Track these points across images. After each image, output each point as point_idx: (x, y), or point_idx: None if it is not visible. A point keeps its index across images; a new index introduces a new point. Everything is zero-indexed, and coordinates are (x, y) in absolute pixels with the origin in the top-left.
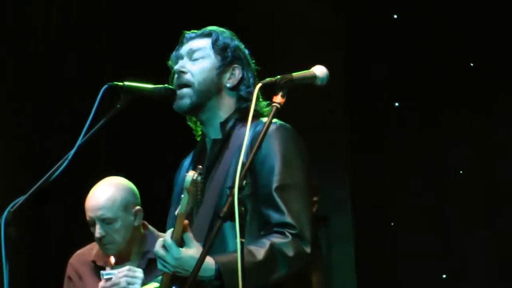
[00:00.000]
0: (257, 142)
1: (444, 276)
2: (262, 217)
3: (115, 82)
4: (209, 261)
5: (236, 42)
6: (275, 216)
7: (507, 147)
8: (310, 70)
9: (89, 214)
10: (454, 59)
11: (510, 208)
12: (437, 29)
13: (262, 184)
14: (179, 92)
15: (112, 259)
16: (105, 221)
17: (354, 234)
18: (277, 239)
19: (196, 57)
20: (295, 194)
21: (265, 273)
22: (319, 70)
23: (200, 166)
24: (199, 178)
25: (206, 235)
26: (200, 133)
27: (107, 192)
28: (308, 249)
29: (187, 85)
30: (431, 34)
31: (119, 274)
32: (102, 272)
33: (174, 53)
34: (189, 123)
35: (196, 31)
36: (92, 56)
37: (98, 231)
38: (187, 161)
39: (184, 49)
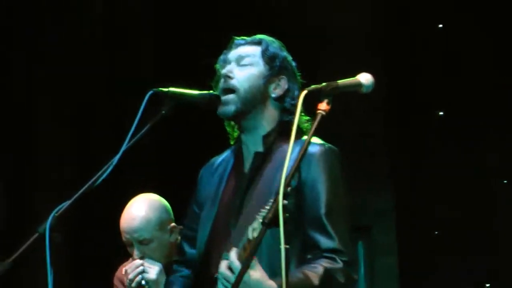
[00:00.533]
0: (302, 148)
1: (487, 285)
2: (309, 240)
3: (160, 88)
4: (271, 284)
5: (285, 53)
6: (325, 241)
7: None
8: (356, 77)
9: (125, 235)
10: (497, 69)
11: None
12: (479, 38)
13: (310, 207)
14: (224, 98)
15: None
16: (142, 243)
17: (398, 244)
18: (329, 264)
19: (244, 64)
20: (343, 219)
21: None
22: (365, 78)
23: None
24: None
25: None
26: (235, 137)
27: (141, 213)
28: (356, 276)
29: (232, 90)
30: (474, 44)
31: (133, 266)
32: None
33: (222, 56)
34: (227, 127)
35: (246, 37)
36: (133, 61)
37: (136, 253)
38: (219, 160)
39: (232, 54)
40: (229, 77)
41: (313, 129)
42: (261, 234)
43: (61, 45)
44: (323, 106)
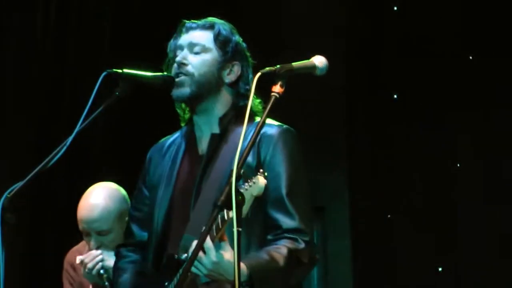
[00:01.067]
0: (255, 130)
1: (440, 269)
2: (270, 221)
3: (114, 69)
4: (242, 266)
5: (237, 36)
6: (286, 221)
7: (507, 141)
8: (310, 60)
9: (83, 225)
10: (453, 52)
11: (508, 203)
12: (436, 21)
13: (271, 188)
14: (178, 79)
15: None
16: (101, 233)
17: (351, 225)
18: (292, 245)
19: (198, 51)
20: (304, 200)
21: (285, 279)
22: (319, 60)
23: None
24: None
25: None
26: (186, 119)
27: (101, 204)
28: (318, 256)
29: (185, 73)
30: (431, 26)
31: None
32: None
33: (172, 41)
34: (177, 109)
35: (196, 21)
36: (92, 44)
37: (92, 244)
38: (168, 142)
39: (184, 40)
40: (184, 64)
41: (267, 111)
42: (214, 217)
43: (16, 25)
44: (277, 88)
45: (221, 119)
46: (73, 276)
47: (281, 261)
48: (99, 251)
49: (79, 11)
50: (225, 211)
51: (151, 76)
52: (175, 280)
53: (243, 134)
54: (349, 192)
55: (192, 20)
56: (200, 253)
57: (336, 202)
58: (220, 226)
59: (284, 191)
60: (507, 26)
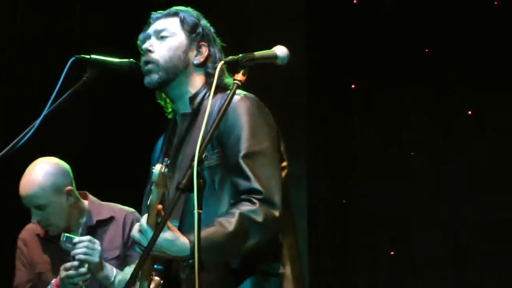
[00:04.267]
0: (218, 115)
1: (392, 252)
2: (233, 186)
3: (82, 55)
4: (184, 241)
5: (203, 21)
6: (242, 184)
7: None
8: (272, 49)
9: (23, 201)
10: (408, 43)
11: (457, 186)
12: (391, 15)
13: (230, 154)
14: (146, 68)
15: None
16: (39, 208)
17: (308, 208)
18: (245, 206)
19: (163, 35)
20: (263, 160)
21: (238, 243)
22: (280, 50)
23: (166, 158)
24: (166, 170)
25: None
26: (170, 110)
27: (36, 179)
28: (276, 213)
29: (152, 62)
30: (386, 20)
31: (80, 244)
32: (63, 233)
33: (142, 34)
34: (159, 101)
35: (162, 11)
36: (63, 30)
37: (33, 217)
38: (159, 143)
39: (151, 29)
40: (150, 51)
41: (228, 98)
42: (176, 199)
43: None
44: (239, 76)
45: (191, 98)
46: (25, 253)
47: (229, 226)
48: (87, 238)
49: None
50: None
51: (118, 62)
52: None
53: (207, 111)
54: (307, 178)
55: (158, 11)
56: (140, 235)
57: (296, 186)
58: (152, 210)
59: (240, 154)
60: (460, 23)
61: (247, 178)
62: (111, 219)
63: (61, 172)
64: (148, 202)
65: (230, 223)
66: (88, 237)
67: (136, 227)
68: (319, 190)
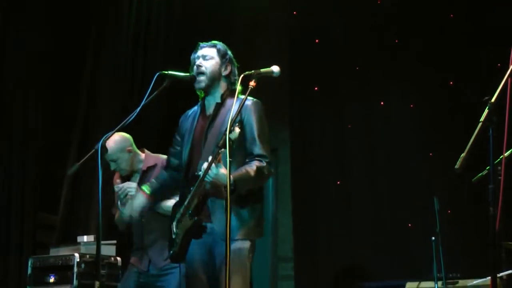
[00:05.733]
0: (239, 107)
1: (338, 182)
2: (248, 152)
3: (163, 72)
4: (230, 176)
5: (229, 51)
6: (257, 150)
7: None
8: (271, 68)
9: (106, 158)
10: (358, 53)
11: (384, 152)
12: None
13: (248, 135)
14: (198, 78)
15: (118, 180)
16: (113, 160)
17: (291, 160)
18: (259, 164)
19: (207, 58)
20: (266, 140)
21: (254, 183)
22: (276, 68)
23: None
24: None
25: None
26: (202, 96)
27: (110, 145)
28: (273, 171)
29: (202, 73)
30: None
31: (122, 186)
32: (114, 186)
33: (193, 55)
34: (197, 92)
35: (206, 42)
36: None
37: (111, 166)
38: (190, 111)
39: (200, 53)
40: (200, 66)
41: (247, 94)
42: (217, 152)
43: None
44: (252, 83)
45: (221, 95)
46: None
47: (252, 172)
48: (126, 183)
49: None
50: (222, 149)
51: (184, 75)
52: (196, 184)
53: (234, 105)
54: (291, 145)
55: (203, 42)
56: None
57: (283, 146)
58: (217, 156)
59: (255, 134)
60: (425, 21)
61: (260, 148)
62: (155, 165)
63: (123, 140)
64: (220, 150)
65: (251, 171)
66: (126, 183)
67: (205, 164)
68: (298, 147)
